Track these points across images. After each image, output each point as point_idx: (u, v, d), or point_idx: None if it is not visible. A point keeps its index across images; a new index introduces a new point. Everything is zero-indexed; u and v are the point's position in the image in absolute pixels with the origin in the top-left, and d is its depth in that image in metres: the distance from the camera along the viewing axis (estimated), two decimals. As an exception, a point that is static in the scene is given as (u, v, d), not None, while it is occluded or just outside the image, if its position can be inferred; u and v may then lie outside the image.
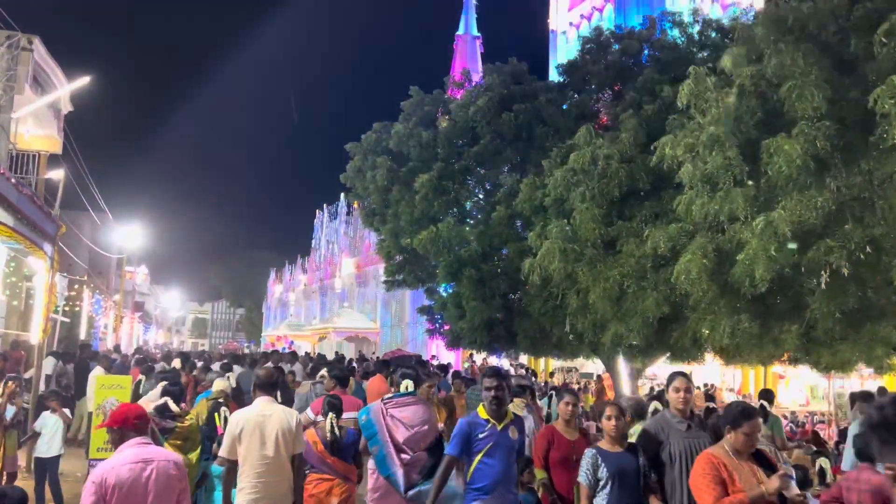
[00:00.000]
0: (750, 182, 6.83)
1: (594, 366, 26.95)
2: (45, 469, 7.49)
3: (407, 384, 6.14)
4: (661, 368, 21.89)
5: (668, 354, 10.61)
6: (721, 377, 24.72)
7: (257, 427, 4.91)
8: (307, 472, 5.60)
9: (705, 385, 22.64)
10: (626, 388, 14.37)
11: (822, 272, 6.15)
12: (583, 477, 4.48)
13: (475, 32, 31.40)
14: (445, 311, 15.06)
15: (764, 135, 6.73)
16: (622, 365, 15.23)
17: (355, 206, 52.64)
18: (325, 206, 59.17)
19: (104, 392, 8.42)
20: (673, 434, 4.43)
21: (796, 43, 6.73)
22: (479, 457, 4.54)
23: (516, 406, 8.18)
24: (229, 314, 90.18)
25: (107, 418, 8.97)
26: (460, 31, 31.53)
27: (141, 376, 9.25)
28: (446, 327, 18.18)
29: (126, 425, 3.95)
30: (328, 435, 5.81)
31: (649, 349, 10.07)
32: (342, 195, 55.33)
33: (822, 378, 26.18)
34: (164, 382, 7.02)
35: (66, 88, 14.49)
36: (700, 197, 7.08)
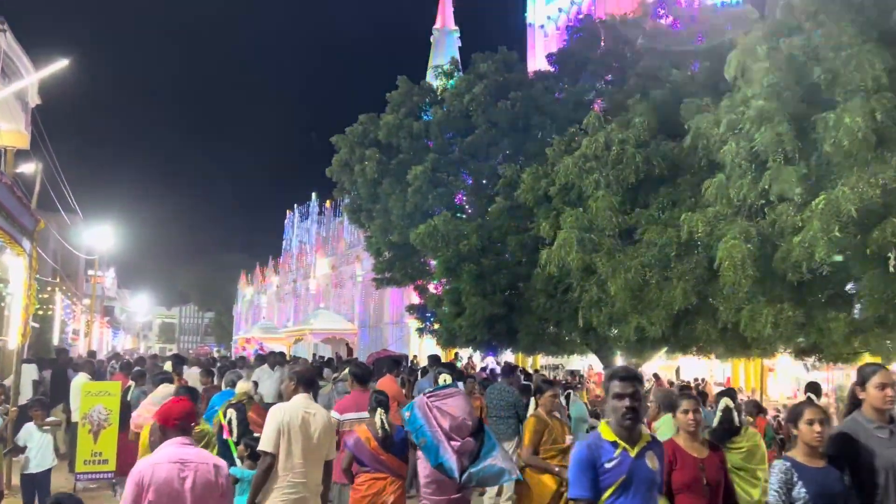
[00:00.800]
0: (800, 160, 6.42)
1: (581, 362, 26.70)
2: (35, 486, 6.77)
3: (445, 378, 6.25)
4: (647, 366, 21.66)
5: (693, 347, 10.22)
6: (709, 371, 24.57)
7: (303, 423, 4.62)
8: (358, 473, 5.43)
9: (695, 380, 22.47)
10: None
11: (890, 254, 5.75)
12: (773, 498, 3.50)
13: (453, 26, 30.93)
14: (439, 308, 14.55)
15: (812, 110, 6.34)
16: (621, 361, 14.87)
17: (327, 205, 52.31)
18: (295, 206, 58.24)
19: (91, 400, 7.76)
20: (873, 443, 3.48)
21: (839, 13, 6.36)
22: (607, 495, 3.27)
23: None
24: (198, 318, 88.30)
25: (94, 427, 8.38)
26: (437, 25, 31.01)
27: (130, 382, 8.57)
28: (436, 326, 17.78)
29: (167, 424, 3.74)
30: (380, 431, 5.62)
31: (666, 342, 9.66)
32: (313, 195, 54.79)
33: (804, 370, 26.27)
34: (166, 384, 6.42)
35: (36, 75, 13.61)
36: (743, 177, 6.65)
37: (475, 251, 12.24)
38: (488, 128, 13.55)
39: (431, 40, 30.94)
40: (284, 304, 50.53)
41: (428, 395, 5.88)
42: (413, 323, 30.44)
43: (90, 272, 44.25)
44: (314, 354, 28.36)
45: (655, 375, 23.36)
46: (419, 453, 5.78)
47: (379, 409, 5.74)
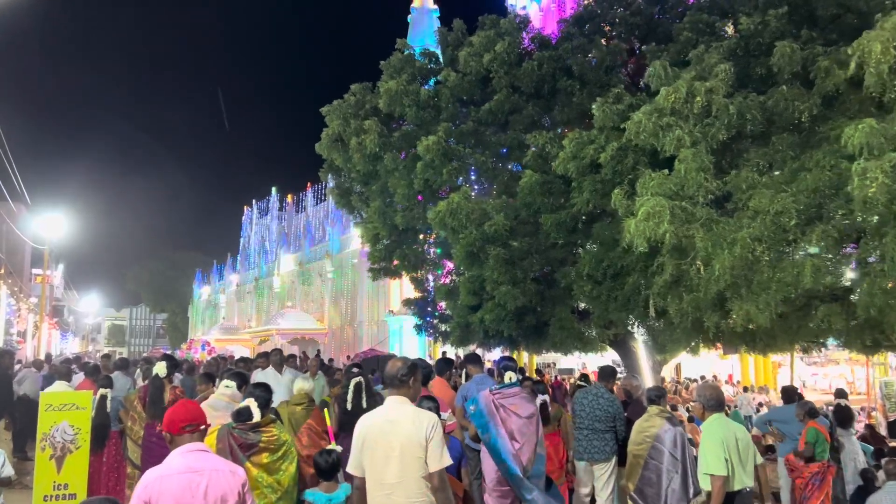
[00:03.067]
0: None
1: (574, 360, 25.21)
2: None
3: (510, 376, 5.93)
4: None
5: (808, 339, 8.69)
6: (710, 368, 23.40)
7: (382, 436, 3.92)
8: None
9: (702, 378, 21.23)
10: (648, 383, 12.50)
11: None
12: None
13: (432, 5, 29.14)
14: (449, 300, 12.79)
15: None
16: (643, 358, 13.38)
17: (289, 200, 50.05)
18: (254, 201, 55.79)
19: (52, 416, 5.82)
20: None
21: None
22: None
23: (651, 416, 6.05)
24: (150, 320, 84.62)
25: (57, 452, 6.41)
26: (415, 4, 29.16)
27: (104, 391, 6.67)
28: (438, 322, 16.01)
29: (173, 430, 3.39)
30: None
31: (769, 334, 8.12)
32: (273, 189, 52.58)
33: (810, 367, 25.37)
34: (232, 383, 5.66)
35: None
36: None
37: (503, 232, 10.53)
38: (509, 93, 11.84)
39: (409, 20, 29.11)
40: (245, 304, 48.05)
41: (494, 391, 5.64)
42: (397, 321, 28.64)
43: (36, 271, 41.04)
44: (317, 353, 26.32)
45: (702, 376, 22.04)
46: (483, 451, 5.58)
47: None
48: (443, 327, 15.92)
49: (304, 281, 38.64)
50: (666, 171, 7.43)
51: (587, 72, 11.77)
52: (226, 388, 5.98)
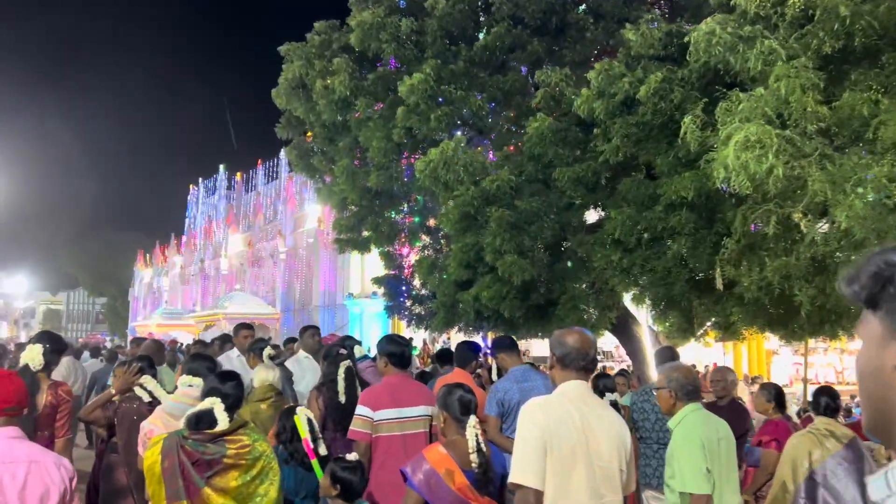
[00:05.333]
0: None
1: (543, 346, 23.51)
2: None
3: None
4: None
5: None
6: (696, 356, 21.90)
7: (582, 432, 2.72)
8: None
9: (706, 367, 19.68)
10: (654, 374, 10.79)
11: None
12: None
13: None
14: (432, 276, 10.77)
15: None
16: (648, 344, 11.64)
17: (238, 177, 47.31)
18: (200, 180, 52.80)
19: None
20: None
21: None
22: None
23: (817, 435, 4.14)
24: (88, 304, 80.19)
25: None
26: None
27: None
28: (411, 304, 14.01)
29: None
30: (474, 458, 3.38)
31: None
32: (221, 167, 49.67)
33: (796, 355, 24.14)
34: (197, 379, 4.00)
35: None
36: None
37: (507, 190, 8.55)
38: (510, 26, 9.84)
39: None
40: (190, 287, 45.15)
41: None
42: (357, 304, 26.49)
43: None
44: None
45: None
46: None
47: (472, 419, 3.52)
48: (417, 309, 13.93)
49: (254, 262, 36.11)
50: (762, 89, 5.52)
51: (600, 2, 9.85)
52: (188, 386, 4.19)
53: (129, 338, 38.60)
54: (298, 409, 3.81)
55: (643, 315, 11.86)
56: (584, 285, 9.09)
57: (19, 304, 67.85)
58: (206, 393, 3.58)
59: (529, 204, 8.57)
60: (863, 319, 1.08)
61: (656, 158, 7.62)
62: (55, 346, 4.03)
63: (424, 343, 22.82)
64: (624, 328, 11.27)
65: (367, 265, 25.22)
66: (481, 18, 10.41)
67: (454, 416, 3.46)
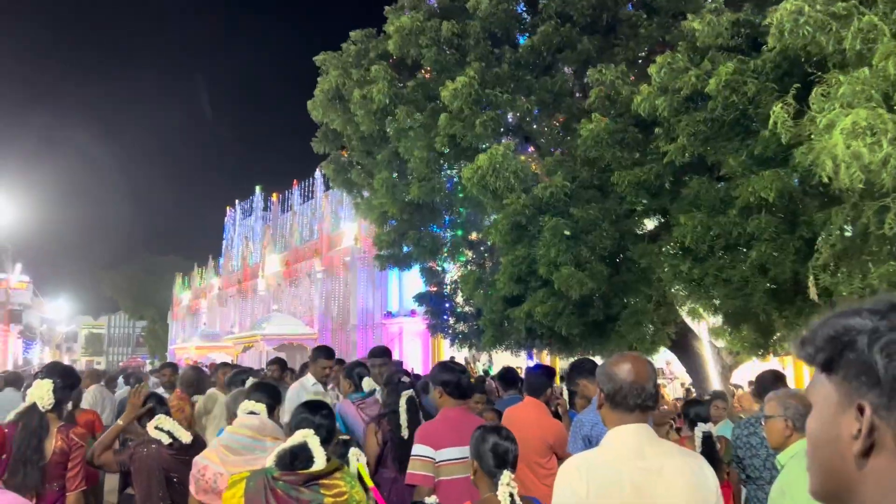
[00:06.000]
0: None
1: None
2: None
3: None
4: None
5: None
6: (741, 374, 20.80)
7: (638, 499, 2.11)
8: None
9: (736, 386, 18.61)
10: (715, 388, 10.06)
11: None
12: None
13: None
14: (478, 291, 10.13)
15: None
16: (710, 361, 10.89)
17: (274, 198, 47.39)
18: (237, 202, 53.05)
19: None
20: None
21: None
22: None
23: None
24: (128, 328, 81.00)
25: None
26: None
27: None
28: (453, 322, 13.41)
29: None
30: None
31: None
32: (257, 188, 49.82)
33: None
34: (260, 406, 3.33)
35: None
36: None
37: (561, 197, 7.93)
38: (558, 25, 9.26)
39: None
40: (228, 309, 45.09)
41: None
42: (396, 323, 25.94)
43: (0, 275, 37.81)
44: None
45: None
46: None
47: (506, 479, 2.73)
48: (460, 327, 13.34)
49: (291, 282, 35.85)
50: (866, 70, 4.83)
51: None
52: (249, 413, 3.64)
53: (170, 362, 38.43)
54: (352, 452, 3.23)
55: (702, 329, 11.13)
56: (646, 299, 8.39)
57: (62, 328, 68.79)
58: (297, 424, 3.05)
59: (586, 212, 7.93)
60: (815, 381, 1.05)
61: (728, 158, 6.94)
62: (67, 380, 3.35)
63: (466, 363, 22.15)
64: (682, 344, 10.55)
65: (406, 282, 24.69)
66: (526, 18, 9.85)
67: (486, 468, 2.80)
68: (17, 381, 8.12)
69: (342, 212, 33.13)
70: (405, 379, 4.62)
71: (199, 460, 3.40)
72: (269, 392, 3.76)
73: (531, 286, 8.59)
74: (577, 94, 9.47)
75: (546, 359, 16.17)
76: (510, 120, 9.44)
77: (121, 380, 14.20)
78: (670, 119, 7.16)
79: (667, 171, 7.59)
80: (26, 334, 42.29)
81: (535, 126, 9.55)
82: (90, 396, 7.76)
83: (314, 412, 3.15)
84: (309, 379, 5.81)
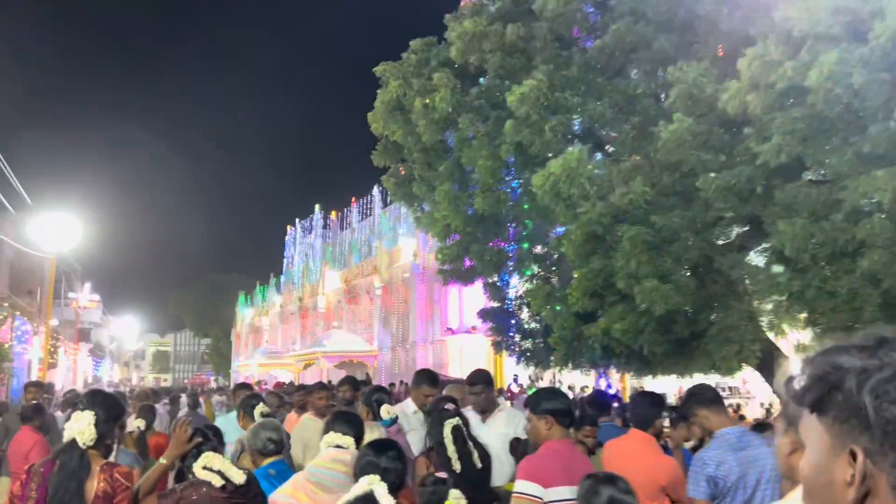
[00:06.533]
0: None
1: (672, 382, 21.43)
2: None
3: None
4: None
5: None
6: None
7: None
8: None
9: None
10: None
11: None
12: None
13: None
14: (546, 307, 9.58)
15: None
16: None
17: (333, 216, 47.77)
18: (297, 220, 53.66)
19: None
20: None
21: None
22: None
23: None
24: (194, 345, 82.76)
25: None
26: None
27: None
28: (519, 338, 12.87)
29: None
30: None
31: None
32: (317, 206, 50.34)
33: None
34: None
35: None
36: None
37: (641, 204, 7.35)
38: (630, 24, 8.71)
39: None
40: (289, 326, 45.44)
41: None
42: (456, 340, 25.46)
43: (71, 295, 38.98)
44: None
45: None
46: None
47: None
48: (525, 344, 12.79)
49: (351, 299, 35.81)
50: None
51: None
52: (336, 448, 3.38)
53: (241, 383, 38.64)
54: (453, 496, 2.77)
55: (785, 345, 10.35)
56: (735, 314, 7.71)
57: (130, 346, 70.66)
58: (362, 468, 2.68)
59: (668, 220, 7.33)
60: (806, 421, 1.01)
61: (830, 157, 6.28)
62: (111, 412, 2.88)
63: (531, 381, 21.48)
64: (767, 361, 9.75)
65: (466, 298, 24.22)
66: (594, 18, 9.34)
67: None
68: (75, 402, 7.94)
69: (400, 228, 32.99)
70: (448, 406, 4.13)
71: (278, 497, 3.05)
72: (354, 422, 3.46)
73: (607, 301, 8.02)
74: (653, 96, 8.87)
75: (619, 379, 15.43)
76: (578, 125, 8.91)
77: (184, 398, 14.11)
78: (763, 117, 6.54)
79: (759, 174, 6.94)
80: (96, 352, 43.41)
81: (607, 131, 8.99)
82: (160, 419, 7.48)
83: (380, 453, 2.80)
84: (409, 405, 5.24)
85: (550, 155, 8.71)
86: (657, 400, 4.05)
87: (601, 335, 8.03)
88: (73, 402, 8.18)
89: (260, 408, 5.14)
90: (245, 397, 5.62)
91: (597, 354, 8.95)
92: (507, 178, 10.09)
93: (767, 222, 6.95)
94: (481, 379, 4.72)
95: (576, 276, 8.05)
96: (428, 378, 5.11)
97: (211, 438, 3.20)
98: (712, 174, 7.12)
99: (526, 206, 10.39)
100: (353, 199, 42.91)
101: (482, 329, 23.99)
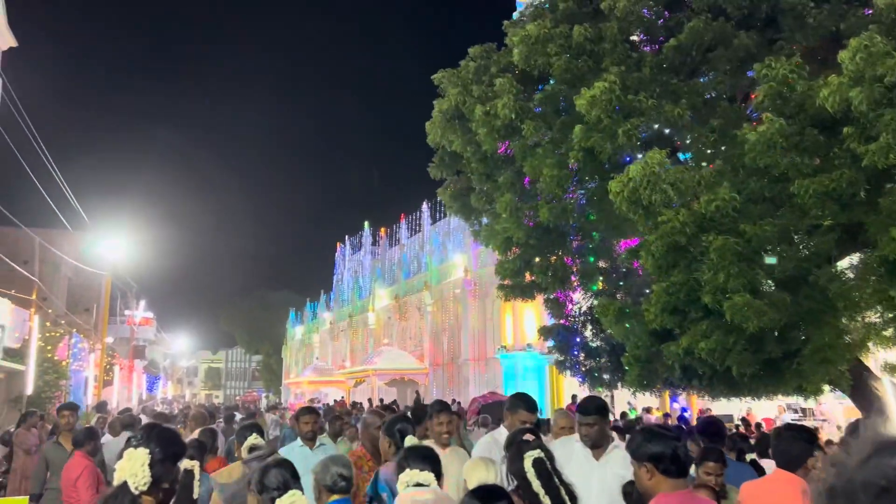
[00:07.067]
0: None
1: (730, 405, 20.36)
2: None
3: None
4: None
5: None
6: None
7: None
8: None
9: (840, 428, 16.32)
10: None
11: None
12: None
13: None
14: (619, 324, 8.99)
15: None
16: (893, 402, 9.24)
17: (382, 233, 47.74)
18: (346, 237, 53.86)
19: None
20: None
21: None
22: None
23: None
24: (245, 362, 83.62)
25: None
26: (519, 6, 25.98)
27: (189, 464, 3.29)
28: (583, 358, 12.26)
29: None
30: None
31: None
32: (366, 224, 50.43)
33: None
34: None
35: None
36: None
37: (729, 212, 6.76)
38: (707, 21, 8.15)
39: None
40: (339, 343, 45.43)
41: None
42: (510, 358, 24.84)
43: (127, 313, 39.66)
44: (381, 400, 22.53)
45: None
46: None
47: None
48: (587, 364, 12.19)
49: (401, 316, 35.49)
50: None
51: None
52: (416, 486, 3.17)
53: (290, 403, 38.34)
54: None
55: (874, 364, 9.57)
56: (833, 331, 7.02)
57: (183, 363, 71.69)
58: None
59: (760, 228, 6.71)
60: None
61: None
62: (169, 450, 2.43)
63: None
64: (858, 383, 8.99)
65: (521, 315, 23.64)
66: (662, 18, 8.82)
67: None
68: (133, 424, 7.66)
69: (450, 244, 32.65)
70: (527, 437, 3.61)
71: None
72: (431, 457, 3.00)
73: (690, 317, 7.41)
74: (732, 97, 8.28)
75: (693, 401, 14.62)
76: (655, 128, 8.35)
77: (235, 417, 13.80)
78: (868, 114, 5.91)
79: (861, 178, 6.29)
80: (150, 369, 43.96)
81: (686, 134, 8.40)
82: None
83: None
84: (502, 432, 4.73)
85: (628, 159, 8.20)
86: (808, 435, 3.43)
87: (682, 354, 7.42)
88: (126, 424, 7.92)
89: (251, 440, 4.81)
90: (243, 427, 5.26)
91: (675, 375, 8.33)
92: (574, 187, 9.56)
93: (871, 230, 6.28)
94: (596, 408, 4.08)
95: (654, 290, 7.46)
96: (525, 403, 4.50)
97: (297, 477, 2.84)
98: (808, 178, 6.50)
99: (591, 217, 9.87)
100: (402, 215, 42.92)
101: (539, 347, 23.40)
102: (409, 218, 41.37)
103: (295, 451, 5.16)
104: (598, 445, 4.00)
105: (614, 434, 4.25)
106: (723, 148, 7.90)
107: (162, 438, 2.36)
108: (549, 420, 12.18)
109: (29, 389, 14.83)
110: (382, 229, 47.44)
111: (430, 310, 31.82)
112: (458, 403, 21.95)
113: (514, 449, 3.69)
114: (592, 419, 3.99)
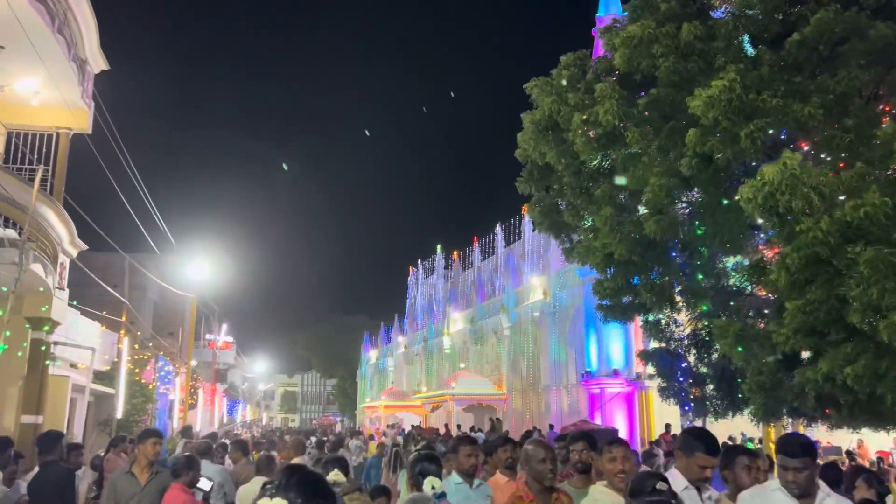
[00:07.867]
0: None
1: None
2: None
3: None
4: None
5: None
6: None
7: None
8: None
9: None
10: None
11: None
12: None
13: (620, 11, 25.08)
14: (746, 347, 8.12)
15: None
16: None
17: (454, 257, 47.33)
18: (419, 261, 53.74)
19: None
20: None
21: None
22: None
23: None
24: (320, 386, 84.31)
25: None
26: (600, 13, 25.31)
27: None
28: (686, 384, 11.39)
29: None
30: None
31: None
32: (438, 247, 50.20)
33: None
34: None
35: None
36: None
37: (881, 220, 5.94)
38: (837, 11, 7.37)
39: (594, 34, 25.25)
40: (414, 367, 45.04)
41: None
42: (596, 384, 23.81)
43: (209, 337, 40.54)
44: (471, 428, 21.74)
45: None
46: None
47: None
48: (694, 392, 11.34)
49: (476, 340, 34.83)
50: None
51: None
52: None
53: (364, 426, 38.02)
54: None
55: None
56: None
57: (261, 386, 72.76)
58: None
59: (918, 237, 5.88)
60: None
61: None
62: (312, 500, 1.83)
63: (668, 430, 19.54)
64: None
65: (606, 338, 22.67)
66: (792, 10, 8.06)
67: None
68: (207, 452, 7.28)
69: (525, 266, 31.92)
70: (661, 486, 2.81)
71: None
72: None
73: (829, 339, 6.59)
74: (872, 93, 7.46)
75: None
76: (782, 131, 7.59)
77: (313, 440, 13.44)
78: None
79: None
80: (230, 393, 44.57)
81: (817, 135, 7.59)
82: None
83: None
84: (677, 479, 3.72)
85: (754, 164, 7.46)
86: None
87: (822, 381, 6.58)
88: (203, 451, 7.48)
89: (333, 476, 4.33)
90: (326, 461, 4.74)
91: (808, 405, 7.45)
92: (682, 197, 8.86)
93: None
94: (802, 447, 3.31)
95: (788, 308, 6.66)
96: (706, 443, 3.59)
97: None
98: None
99: (699, 232, 9.11)
100: (475, 237, 42.45)
101: (627, 372, 22.36)
102: (481, 241, 40.92)
103: (451, 488, 4.45)
104: (807, 494, 3.27)
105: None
106: (861, 148, 7.07)
107: (306, 486, 1.84)
108: (649, 450, 11.29)
109: (119, 413, 14.94)
110: (455, 252, 47.12)
111: (507, 334, 31.06)
112: (539, 431, 21.08)
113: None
114: (800, 462, 3.23)
